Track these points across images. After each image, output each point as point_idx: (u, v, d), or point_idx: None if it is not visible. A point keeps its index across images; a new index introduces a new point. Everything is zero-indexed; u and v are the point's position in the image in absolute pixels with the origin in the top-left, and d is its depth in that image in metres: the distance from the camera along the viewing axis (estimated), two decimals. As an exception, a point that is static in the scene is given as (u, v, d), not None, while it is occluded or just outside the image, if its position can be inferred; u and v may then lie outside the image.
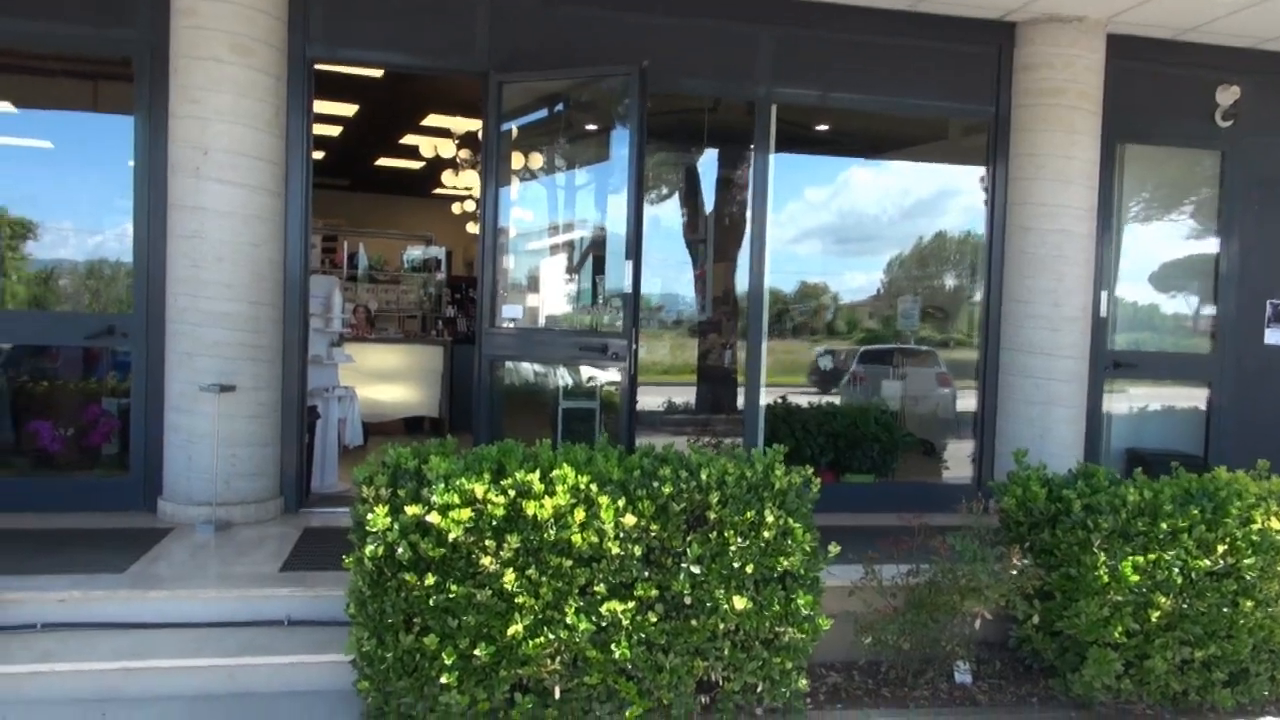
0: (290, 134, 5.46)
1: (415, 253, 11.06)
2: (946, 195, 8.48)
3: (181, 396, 5.18)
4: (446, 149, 8.29)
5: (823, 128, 7.42)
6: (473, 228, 13.03)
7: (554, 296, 6.10)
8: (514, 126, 5.83)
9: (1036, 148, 6.16)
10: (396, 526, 3.44)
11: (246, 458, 5.28)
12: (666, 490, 3.66)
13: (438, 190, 14.56)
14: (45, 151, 5.71)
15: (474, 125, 9.19)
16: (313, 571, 4.41)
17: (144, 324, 5.41)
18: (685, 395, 7.90)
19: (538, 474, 3.57)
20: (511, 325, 5.73)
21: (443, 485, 3.49)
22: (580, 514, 3.52)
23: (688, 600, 3.68)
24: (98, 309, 5.67)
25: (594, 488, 3.60)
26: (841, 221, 7.74)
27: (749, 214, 6.14)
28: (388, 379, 8.93)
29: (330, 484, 6.30)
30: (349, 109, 9.44)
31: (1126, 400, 7.16)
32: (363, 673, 3.53)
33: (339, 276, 10.19)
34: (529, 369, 6.84)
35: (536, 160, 6.22)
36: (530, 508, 3.49)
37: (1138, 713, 4.28)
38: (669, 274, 7.34)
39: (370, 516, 3.44)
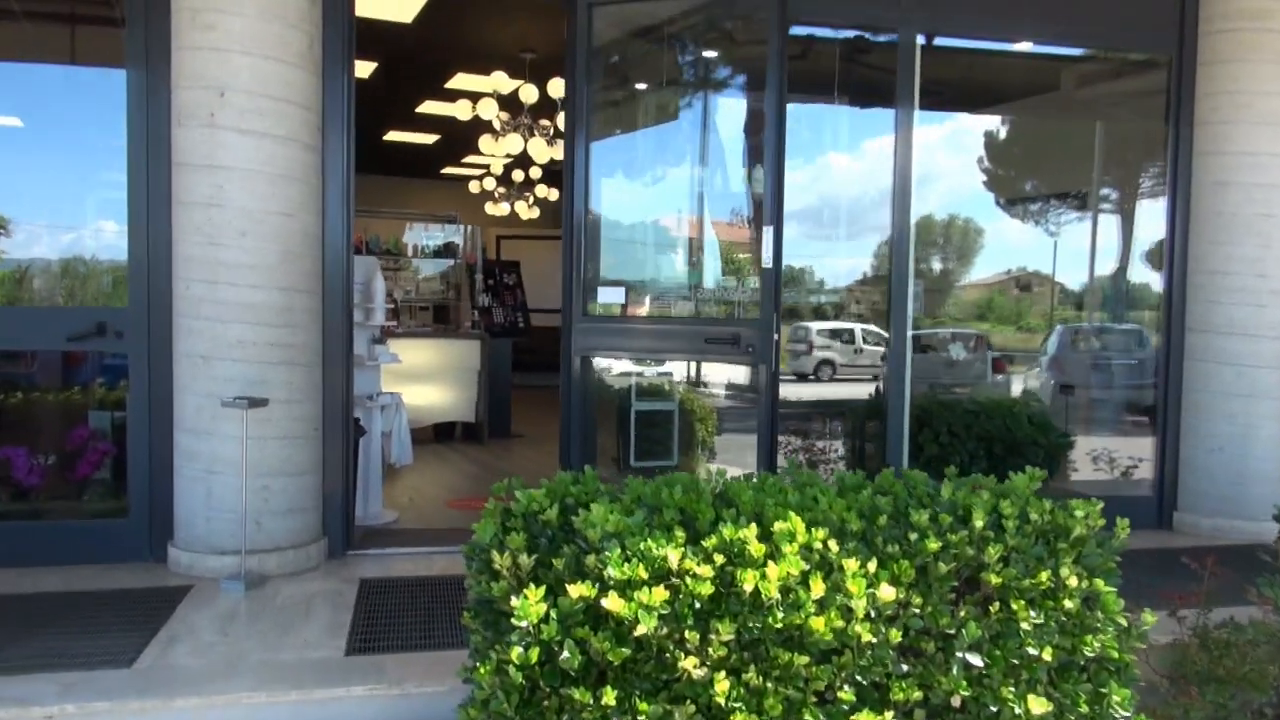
0: (327, 69, 4.25)
1: (436, 235, 9.85)
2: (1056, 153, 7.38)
3: (198, 413, 3.99)
4: (488, 109, 7.12)
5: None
6: (492, 209, 11.85)
7: (659, 278, 4.93)
8: (607, 67, 4.64)
9: (1238, 84, 5.03)
10: (555, 617, 2.28)
11: (281, 490, 4.10)
12: (930, 546, 2.52)
13: (448, 170, 13.39)
14: (13, 130, 4.52)
15: (508, 85, 7.99)
16: (391, 654, 3.24)
17: (144, 320, 4.20)
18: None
19: (754, 528, 2.41)
20: (611, 314, 4.55)
21: (618, 550, 2.33)
22: (818, 586, 2.37)
23: (956, 702, 2.54)
24: (82, 304, 4.47)
25: (833, 545, 2.45)
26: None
27: (892, 177, 4.98)
28: (417, 379, 7.73)
29: (375, 514, 5.12)
30: (365, 68, 8.20)
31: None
32: (508, 837, 2.37)
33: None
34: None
35: (635, 111, 5.04)
36: (748, 579, 2.33)
37: None
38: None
39: (518, 603, 2.27)
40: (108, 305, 4.37)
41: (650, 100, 5.05)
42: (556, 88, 7.05)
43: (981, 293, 7.26)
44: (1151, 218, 6.85)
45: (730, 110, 4.73)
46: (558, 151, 7.58)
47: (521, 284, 9.93)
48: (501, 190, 11.87)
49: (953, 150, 6.90)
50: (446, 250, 9.63)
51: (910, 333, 5.03)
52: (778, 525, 2.44)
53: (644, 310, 4.81)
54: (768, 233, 4.14)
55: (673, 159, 4.98)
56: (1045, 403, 5.91)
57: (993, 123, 7.28)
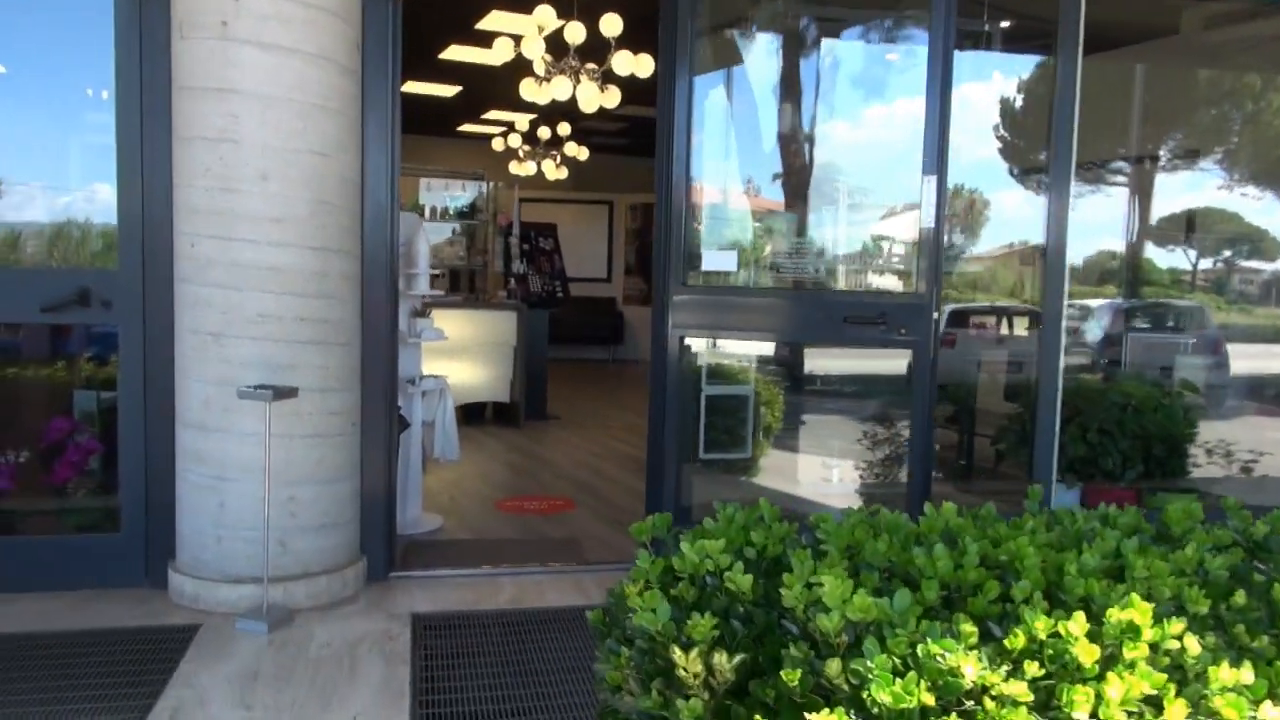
0: (371, -30, 3.37)
1: (459, 196, 8.94)
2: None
3: (207, 406, 3.14)
4: (533, 47, 6.21)
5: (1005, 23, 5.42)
6: (517, 168, 10.94)
7: (776, 244, 4.05)
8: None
9: None
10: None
11: (311, 501, 3.26)
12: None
13: (465, 127, 12.45)
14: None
15: (552, 23, 7.03)
16: (474, 740, 2.42)
17: (138, 286, 3.33)
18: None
19: (1081, 620, 1.57)
20: (718, 285, 3.70)
21: (881, 655, 1.49)
22: (1178, 709, 1.53)
23: None
24: (63, 265, 3.60)
25: (1191, 644, 1.61)
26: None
27: (1050, 131, 4.12)
28: (445, 355, 6.85)
29: (415, 520, 4.29)
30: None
31: None
32: None
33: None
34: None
35: (745, 49, 4.12)
36: (1079, 702, 1.49)
37: None
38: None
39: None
40: (93, 268, 3.50)
41: (765, 34, 4.15)
42: (611, 25, 6.14)
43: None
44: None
45: (867, 45, 3.85)
46: (610, 98, 6.66)
47: (559, 249, 9.05)
48: (527, 149, 10.95)
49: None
50: (472, 211, 8.75)
51: (1065, 306, 4.18)
52: (1113, 614, 1.59)
53: (758, 282, 3.94)
54: (928, 184, 3.28)
55: (791, 100, 4.06)
56: (1200, 392, 5.06)
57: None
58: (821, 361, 5.45)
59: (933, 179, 3.27)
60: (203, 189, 3.12)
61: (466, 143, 12.82)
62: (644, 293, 13.31)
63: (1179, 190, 6.45)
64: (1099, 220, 6.24)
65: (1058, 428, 4.26)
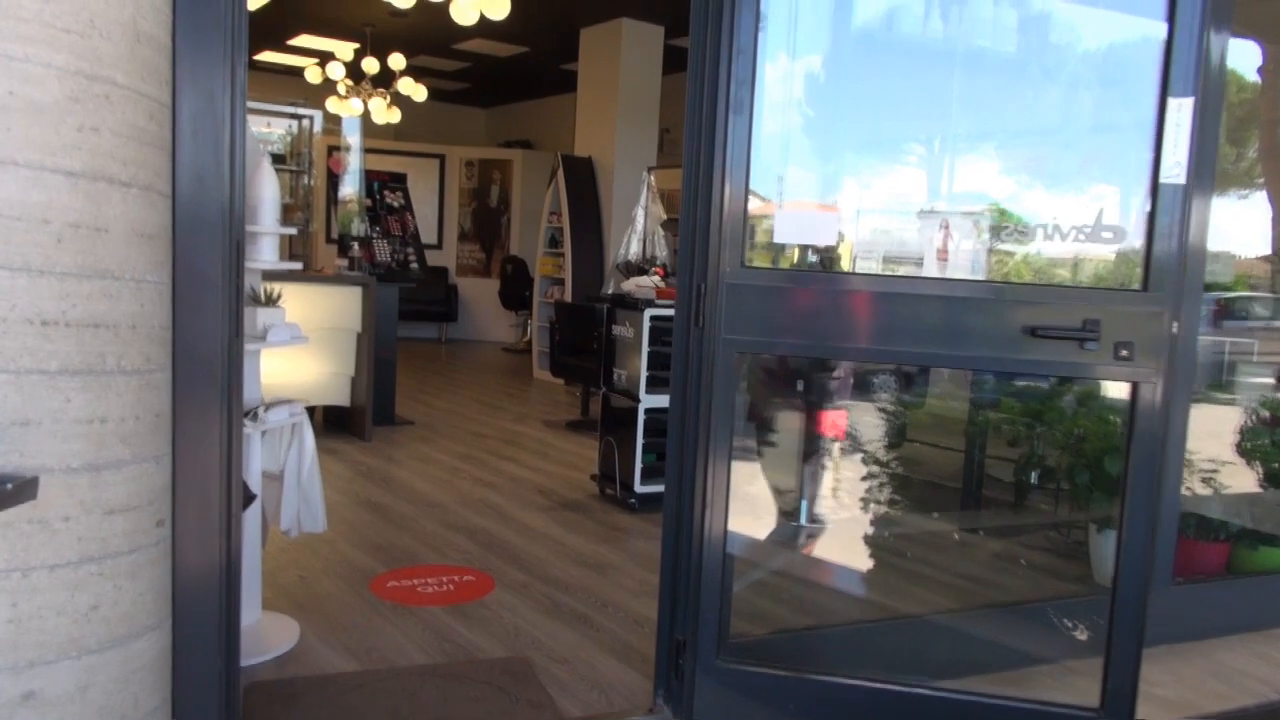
0: None
1: (268, 134, 6.96)
2: None
3: None
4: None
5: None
6: (338, 105, 9.04)
7: (895, 207, 2.65)
8: None
9: None
10: None
11: (71, 695, 1.60)
12: None
13: (267, 56, 10.32)
14: None
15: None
16: None
17: None
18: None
19: None
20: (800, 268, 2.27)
21: None
22: None
23: None
24: None
25: None
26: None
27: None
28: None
29: (252, 633, 2.63)
30: None
31: None
32: None
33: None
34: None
35: None
36: None
37: None
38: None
39: None
40: None
41: None
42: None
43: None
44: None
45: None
46: (498, 6, 5.02)
47: (410, 206, 7.25)
48: (350, 84, 9.04)
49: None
50: (290, 155, 6.83)
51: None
52: None
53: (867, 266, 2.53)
54: (1177, 111, 1.99)
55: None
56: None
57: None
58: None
59: (1186, 102, 1.99)
60: None
61: (265, 76, 10.68)
62: (481, 263, 11.61)
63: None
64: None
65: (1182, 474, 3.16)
